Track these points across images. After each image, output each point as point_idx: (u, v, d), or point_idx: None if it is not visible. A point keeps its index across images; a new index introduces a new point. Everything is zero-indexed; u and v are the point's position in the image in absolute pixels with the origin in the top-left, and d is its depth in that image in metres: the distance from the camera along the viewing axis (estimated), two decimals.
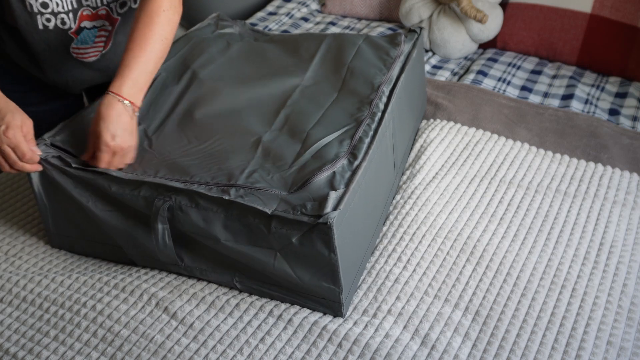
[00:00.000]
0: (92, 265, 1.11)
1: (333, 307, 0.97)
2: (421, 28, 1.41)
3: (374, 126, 1.07)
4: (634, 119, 1.52)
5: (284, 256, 0.94)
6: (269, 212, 0.90)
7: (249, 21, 2.04)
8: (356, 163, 0.99)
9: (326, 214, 0.88)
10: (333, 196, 0.91)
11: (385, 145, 1.11)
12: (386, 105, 1.13)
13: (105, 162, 1.02)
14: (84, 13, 1.16)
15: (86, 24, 1.18)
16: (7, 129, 0.99)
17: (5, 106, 1.02)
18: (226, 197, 0.93)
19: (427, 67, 1.78)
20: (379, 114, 1.10)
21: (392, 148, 1.16)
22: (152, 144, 1.09)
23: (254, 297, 1.01)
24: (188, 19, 2.25)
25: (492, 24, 1.77)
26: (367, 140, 1.03)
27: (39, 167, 1.05)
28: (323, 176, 0.95)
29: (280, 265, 0.94)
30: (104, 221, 1.04)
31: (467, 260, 1.08)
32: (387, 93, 1.16)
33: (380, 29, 1.94)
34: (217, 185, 0.96)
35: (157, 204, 0.97)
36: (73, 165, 1.03)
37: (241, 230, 0.94)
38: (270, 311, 0.98)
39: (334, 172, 0.96)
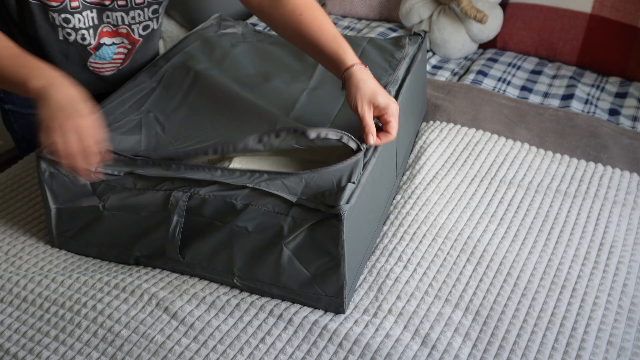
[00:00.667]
0: (93, 265, 1.11)
1: (335, 303, 0.97)
2: (426, 32, 1.41)
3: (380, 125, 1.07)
4: (634, 119, 1.52)
5: (292, 245, 0.94)
6: (294, 200, 0.92)
7: (249, 21, 2.04)
8: (365, 160, 1.00)
9: (339, 206, 0.89)
10: (349, 188, 0.92)
11: (390, 144, 1.11)
12: None
13: (396, 127, 1.00)
14: (104, 30, 1.16)
15: (105, 40, 1.18)
16: (83, 119, 0.90)
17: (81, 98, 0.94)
18: (249, 185, 0.94)
19: (427, 67, 1.78)
20: None
21: (396, 148, 1.17)
22: (164, 130, 1.09)
23: (254, 297, 1.01)
24: (189, 19, 2.26)
25: (492, 24, 1.77)
26: None
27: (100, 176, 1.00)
28: (346, 164, 0.96)
29: (287, 254, 0.95)
30: (113, 219, 1.05)
31: (468, 260, 1.08)
32: (393, 93, 1.16)
33: (380, 29, 1.94)
34: (240, 170, 0.97)
35: (176, 195, 0.98)
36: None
37: (255, 219, 0.95)
38: (271, 311, 0.98)
39: (357, 160, 0.96)
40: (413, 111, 1.31)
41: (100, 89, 1.31)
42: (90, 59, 1.20)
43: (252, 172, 0.97)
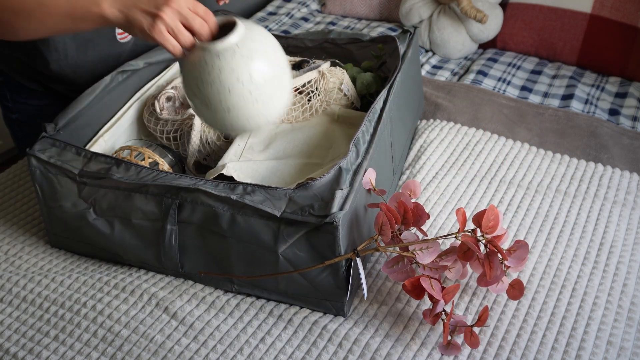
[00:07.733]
0: (92, 265, 1.11)
1: (336, 306, 0.97)
2: (415, 27, 1.41)
3: (372, 126, 1.07)
4: (634, 119, 1.52)
5: (288, 255, 0.94)
6: (278, 214, 0.90)
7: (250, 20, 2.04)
8: (357, 162, 0.99)
9: (332, 213, 0.88)
10: (339, 195, 0.91)
11: (384, 144, 1.11)
12: (384, 104, 1.13)
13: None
14: None
15: None
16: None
17: None
18: (233, 197, 0.93)
19: (427, 67, 1.78)
20: (377, 114, 1.10)
21: (391, 147, 1.16)
22: None
23: (254, 297, 1.01)
24: None
25: (492, 24, 1.77)
26: (367, 140, 1.04)
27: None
28: (330, 174, 0.95)
29: (284, 265, 0.94)
30: (102, 230, 1.04)
31: None
32: (385, 94, 1.16)
33: (380, 29, 1.94)
34: (224, 182, 0.96)
35: (166, 203, 0.98)
36: (78, 175, 1.03)
37: (247, 228, 0.94)
38: (271, 311, 0.98)
39: (340, 168, 0.96)
40: (408, 108, 1.31)
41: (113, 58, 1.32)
42: (118, 30, 1.23)
43: (235, 184, 0.95)
